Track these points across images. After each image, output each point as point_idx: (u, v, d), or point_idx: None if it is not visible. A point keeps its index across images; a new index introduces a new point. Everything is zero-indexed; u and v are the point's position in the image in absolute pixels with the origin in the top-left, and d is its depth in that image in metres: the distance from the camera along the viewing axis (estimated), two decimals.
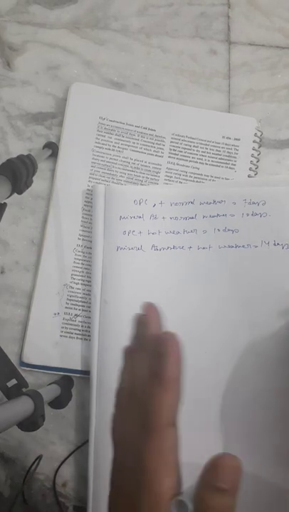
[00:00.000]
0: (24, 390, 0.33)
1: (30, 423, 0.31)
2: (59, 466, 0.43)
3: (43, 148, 0.45)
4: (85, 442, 0.43)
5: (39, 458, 0.43)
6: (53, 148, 0.44)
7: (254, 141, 0.46)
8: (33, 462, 0.42)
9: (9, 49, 0.47)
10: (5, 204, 0.34)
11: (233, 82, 0.48)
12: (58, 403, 0.40)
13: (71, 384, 0.43)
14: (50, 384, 0.41)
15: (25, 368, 0.43)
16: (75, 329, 0.43)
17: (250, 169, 0.46)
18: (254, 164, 0.46)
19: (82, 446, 0.43)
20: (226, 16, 0.49)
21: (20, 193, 0.35)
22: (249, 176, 0.45)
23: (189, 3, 0.49)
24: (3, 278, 0.44)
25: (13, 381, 0.33)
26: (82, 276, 0.44)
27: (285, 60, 0.49)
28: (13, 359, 0.35)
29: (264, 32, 0.49)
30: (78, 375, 0.43)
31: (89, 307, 0.43)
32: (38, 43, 0.47)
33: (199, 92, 0.48)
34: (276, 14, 0.49)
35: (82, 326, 0.43)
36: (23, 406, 0.31)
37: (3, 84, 0.46)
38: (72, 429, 0.43)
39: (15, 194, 0.35)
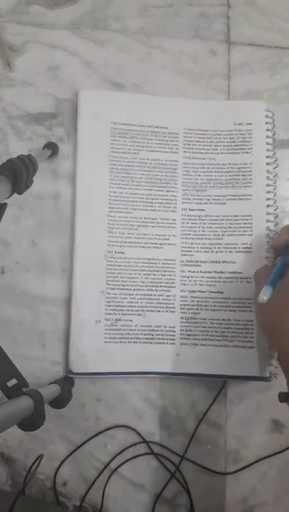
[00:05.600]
0: (24, 389, 0.33)
1: (31, 423, 0.31)
2: (59, 466, 0.43)
3: (43, 148, 0.45)
4: (85, 442, 0.43)
5: (40, 457, 0.43)
6: (53, 149, 0.44)
7: (267, 122, 0.46)
8: (34, 462, 0.43)
9: (9, 49, 0.47)
10: (5, 204, 0.34)
11: (233, 83, 0.48)
12: (58, 403, 0.40)
13: (71, 384, 0.43)
14: (50, 384, 0.41)
15: (75, 377, 0.43)
16: (117, 333, 0.43)
17: (268, 150, 0.46)
18: (270, 144, 0.46)
19: (82, 445, 0.43)
20: (226, 17, 0.49)
21: (20, 193, 0.35)
22: (268, 157, 0.45)
23: (189, 4, 0.49)
24: (3, 278, 0.44)
25: (14, 381, 0.33)
26: (117, 281, 0.44)
27: (284, 60, 0.49)
28: (13, 359, 0.35)
29: (264, 32, 0.49)
30: (123, 376, 0.43)
31: (128, 310, 0.44)
32: (38, 44, 0.47)
33: (199, 93, 0.48)
34: (276, 15, 0.49)
35: (124, 330, 0.43)
36: (23, 406, 0.31)
37: (4, 84, 0.47)
38: (72, 429, 0.44)
39: (15, 194, 0.35)
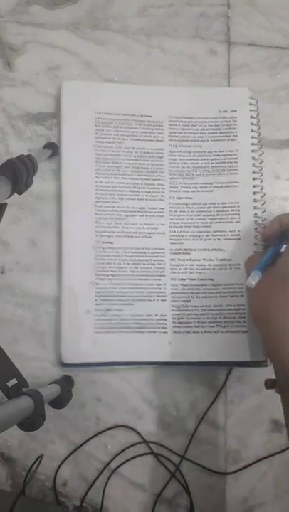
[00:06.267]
0: (24, 389, 0.33)
1: (31, 423, 0.31)
2: (59, 466, 0.43)
3: (43, 148, 0.45)
4: (85, 442, 0.43)
5: (40, 457, 0.43)
6: (53, 149, 0.44)
7: (251, 110, 0.46)
8: (34, 462, 0.43)
9: (9, 49, 0.47)
10: (5, 204, 0.34)
11: (233, 83, 0.48)
12: (58, 403, 0.40)
13: (71, 384, 0.43)
14: (50, 384, 0.41)
15: (67, 369, 0.43)
16: (108, 323, 0.43)
17: (253, 137, 0.46)
18: (255, 132, 0.46)
19: (82, 445, 0.43)
20: (226, 17, 0.49)
21: (20, 193, 0.36)
22: (253, 144, 0.46)
23: (189, 4, 0.49)
24: (3, 278, 0.44)
25: (13, 381, 0.33)
26: (106, 271, 0.44)
27: (284, 60, 0.49)
28: (13, 359, 0.35)
29: (264, 32, 0.49)
30: (117, 366, 0.43)
31: (119, 300, 0.43)
32: (38, 44, 0.47)
33: None
34: (276, 15, 0.49)
35: (114, 320, 0.43)
36: (23, 406, 0.31)
37: (4, 84, 0.47)
38: (72, 429, 0.44)
39: (15, 194, 0.35)
